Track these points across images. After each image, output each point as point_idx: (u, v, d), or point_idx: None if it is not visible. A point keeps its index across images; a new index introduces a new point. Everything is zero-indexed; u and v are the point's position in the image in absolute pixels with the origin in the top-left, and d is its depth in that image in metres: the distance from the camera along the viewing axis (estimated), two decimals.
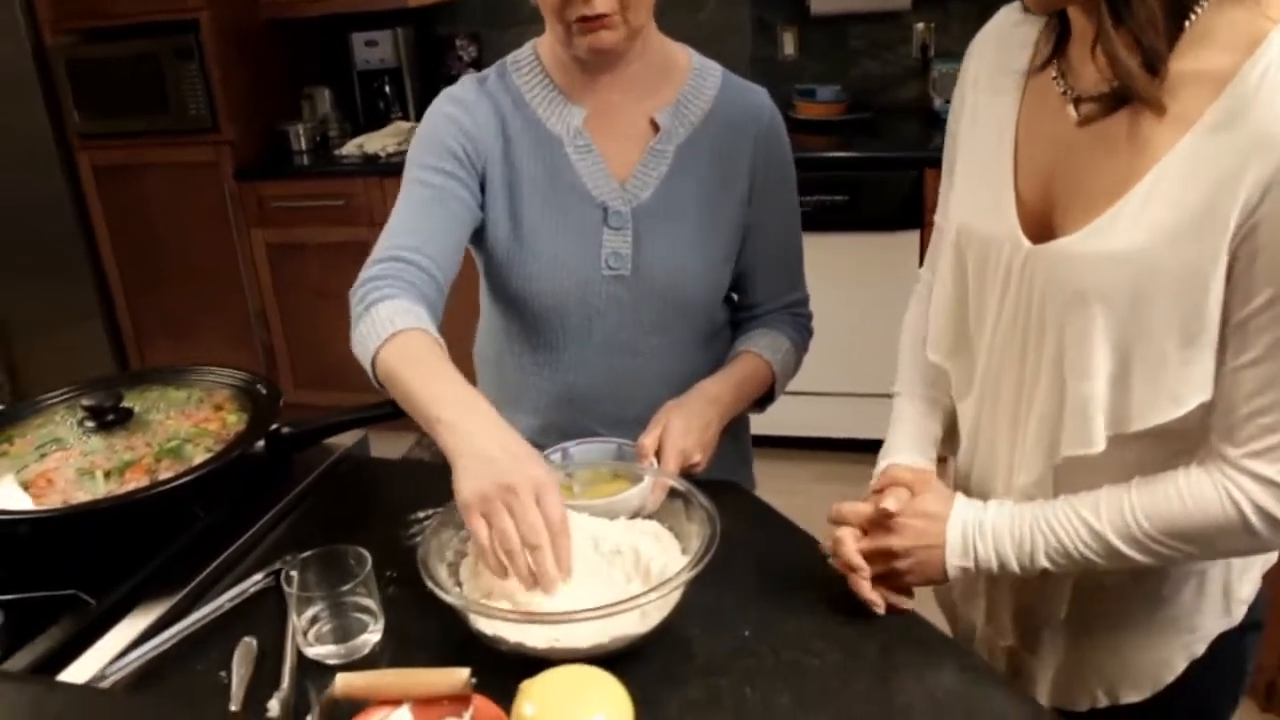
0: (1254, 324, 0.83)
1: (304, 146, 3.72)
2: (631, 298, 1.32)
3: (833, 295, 3.04)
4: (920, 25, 3.47)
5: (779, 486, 2.80)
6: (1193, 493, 0.89)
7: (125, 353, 3.97)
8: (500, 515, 0.92)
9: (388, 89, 3.79)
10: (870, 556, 1.01)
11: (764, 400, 1.42)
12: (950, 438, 1.16)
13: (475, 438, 0.97)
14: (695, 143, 1.32)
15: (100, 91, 3.59)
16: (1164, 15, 0.82)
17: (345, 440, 1.43)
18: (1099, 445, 0.91)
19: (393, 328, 1.11)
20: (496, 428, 0.99)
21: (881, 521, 1.01)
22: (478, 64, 3.79)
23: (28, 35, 3.56)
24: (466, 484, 0.94)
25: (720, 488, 1.25)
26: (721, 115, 1.33)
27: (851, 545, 1.02)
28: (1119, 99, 0.86)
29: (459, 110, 1.31)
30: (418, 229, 1.24)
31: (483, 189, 1.32)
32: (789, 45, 3.62)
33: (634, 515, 1.12)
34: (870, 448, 1.18)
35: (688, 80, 1.34)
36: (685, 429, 1.22)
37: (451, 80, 1.40)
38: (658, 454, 1.20)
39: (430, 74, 3.86)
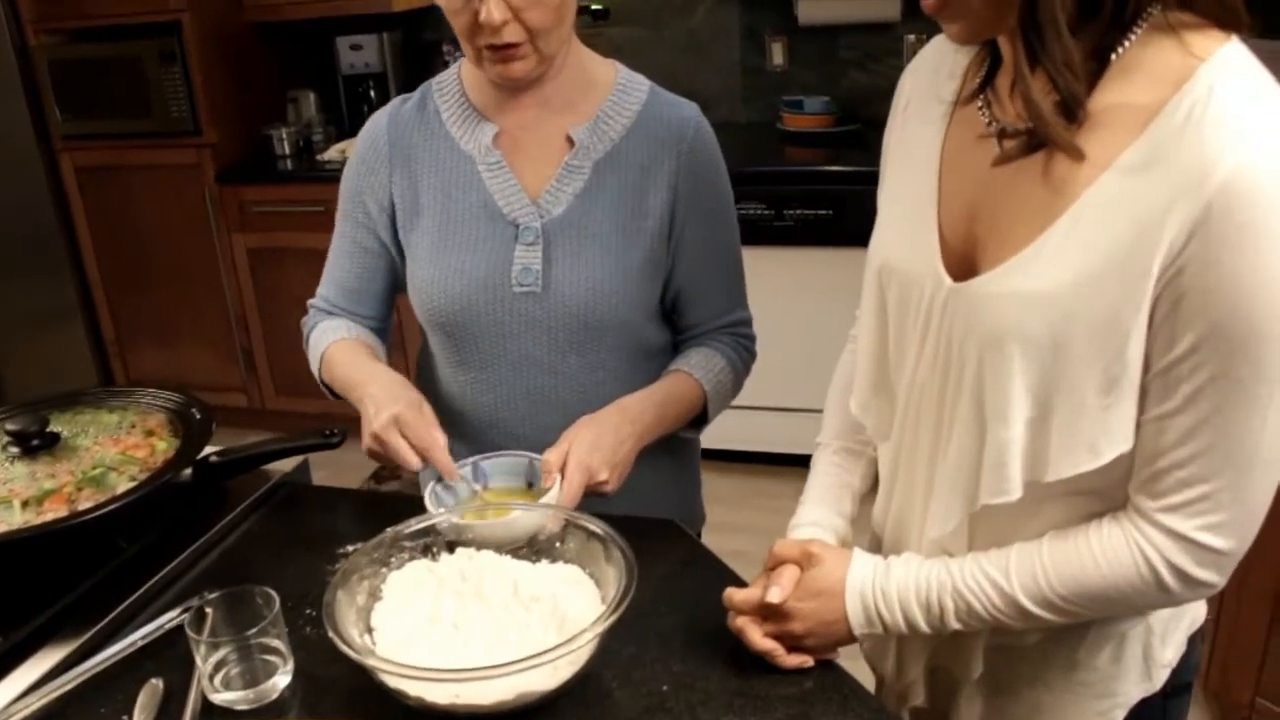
0: (1175, 372, 0.78)
1: (287, 151, 3.69)
2: (544, 314, 1.29)
3: (817, 311, 3.01)
4: (911, 36, 3.41)
5: (767, 505, 2.77)
6: (1104, 549, 0.86)
7: (106, 355, 3.94)
8: (388, 453, 1.20)
9: (373, 93, 3.75)
10: (776, 636, 0.98)
11: (698, 422, 1.38)
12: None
13: (369, 396, 1.24)
14: (614, 158, 1.29)
15: (83, 92, 3.57)
16: (1083, 55, 0.77)
17: (284, 466, 1.40)
18: (1015, 494, 0.87)
19: (320, 350, 1.39)
20: (384, 390, 1.24)
21: (775, 610, 0.97)
22: None
23: (11, 35, 3.54)
24: (363, 435, 1.22)
25: (656, 527, 1.22)
26: (643, 130, 1.30)
27: (756, 633, 0.98)
28: (1037, 140, 0.81)
29: (368, 138, 1.37)
30: (339, 282, 1.43)
31: (394, 218, 1.35)
32: (778, 55, 3.57)
33: (533, 536, 1.09)
34: None
35: (609, 96, 1.31)
36: (593, 445, 1.19)
37: None
38: (563, 470, 1.16)
39: (416, 79, 3.77)
